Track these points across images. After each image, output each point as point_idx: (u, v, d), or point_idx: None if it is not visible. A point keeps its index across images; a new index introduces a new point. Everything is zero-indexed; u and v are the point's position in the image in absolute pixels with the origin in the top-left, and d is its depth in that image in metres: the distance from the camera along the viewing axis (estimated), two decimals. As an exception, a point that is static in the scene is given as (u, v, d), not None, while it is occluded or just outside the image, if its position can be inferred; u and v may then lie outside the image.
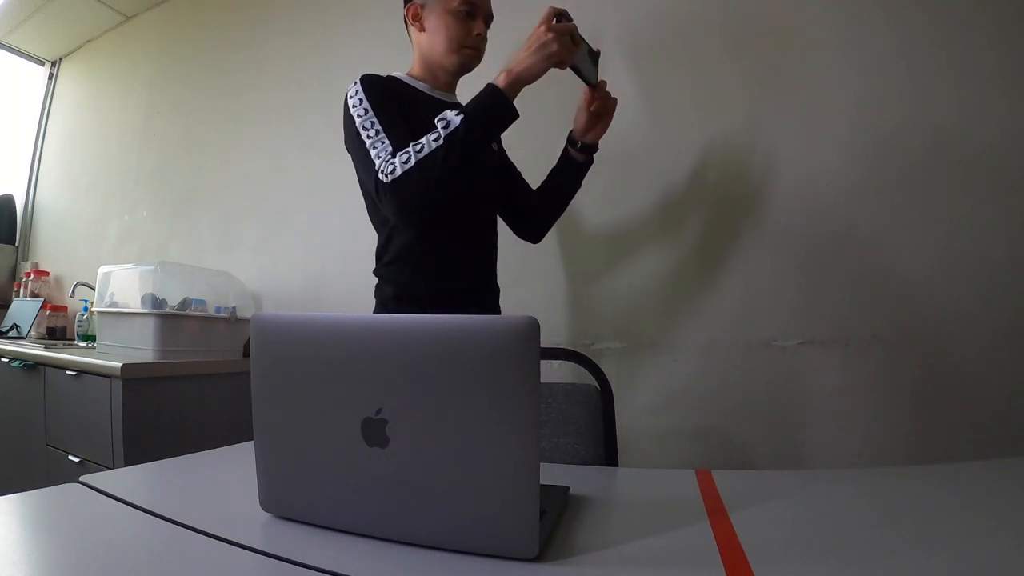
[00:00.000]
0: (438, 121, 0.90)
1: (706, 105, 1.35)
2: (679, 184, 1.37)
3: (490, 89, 0.92)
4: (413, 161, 0.88)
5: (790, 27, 1.29)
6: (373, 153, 0.93)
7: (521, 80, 0.93)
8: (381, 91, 1.02)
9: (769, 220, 1.28)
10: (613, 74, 1.31)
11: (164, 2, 2.58)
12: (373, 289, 1.14)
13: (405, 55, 1.18)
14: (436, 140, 0.89)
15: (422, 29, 1.11)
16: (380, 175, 0.90)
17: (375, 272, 1.12)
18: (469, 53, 1.11)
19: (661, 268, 1.38)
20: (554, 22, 0.93)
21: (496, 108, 0.92)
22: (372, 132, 0.95)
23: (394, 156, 0.90)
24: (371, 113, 0.97)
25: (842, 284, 1.21)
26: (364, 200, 1.10)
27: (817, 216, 1.24)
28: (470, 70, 1.14)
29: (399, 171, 0.89)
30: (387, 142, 0.93)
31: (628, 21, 1.45)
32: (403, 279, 1.07)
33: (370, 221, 1.14)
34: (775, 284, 1.27)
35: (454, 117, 0.89)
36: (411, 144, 0.90)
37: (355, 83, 1.03)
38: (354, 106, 1.00)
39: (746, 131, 1.31)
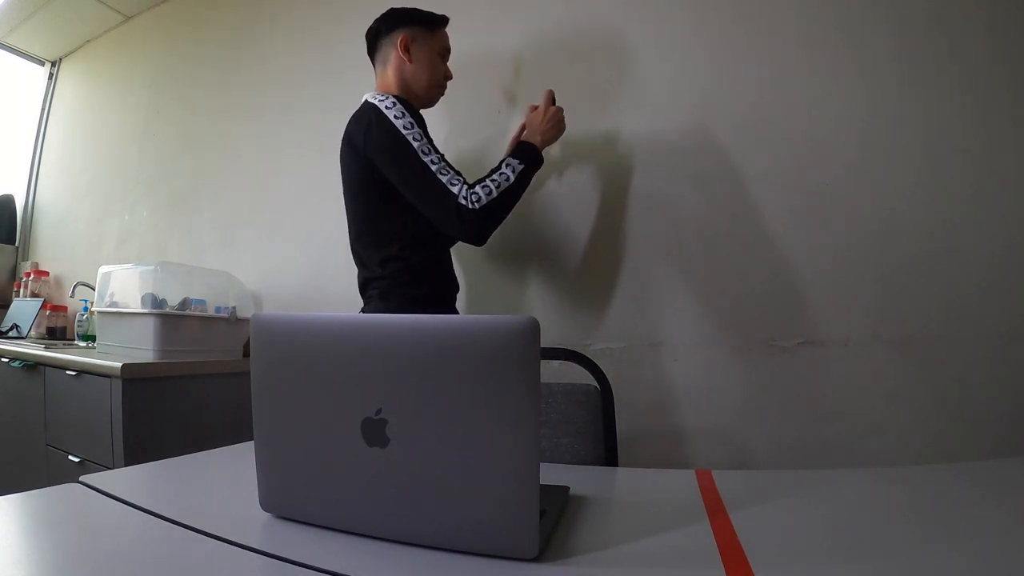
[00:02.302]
0: (506, 166, 1.09)
1: (702, 100, 1.36)
2: (678, 184, 1.37)
3: (532, 146, 1.15)
4: (496, 193, 1.04)
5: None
6: (444, 179, 1.04)
7: (547, 144, 1.20)
8: (420, 116, 1.14)
9: (769, 220, 1.28)
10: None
11: (164, 2, 2.58)
12: (381, 288, 1.19)
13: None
14: (507, 179, 1.07)
15: (410, 60, 1.22)
16: (463, 200, 1.02)
17: (389, 273, 1.18)
18: (441, 92, 1.30)
19: (660, 268, 1.37)
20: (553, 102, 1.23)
21: (538, 159, 1.16)
22: (435, 157, 1.07)
23: (473, 186, 1.04)
24: (426, 139, 1.09)
25: (841, 284, 1.21)
26: (368, 207, 1.19)
27: (816, 216, 1.24)
28: (434, 104, 1.31)
29: (484, 199, 1.03)
30: (452, 171, 1.06)
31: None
32: (440, 280, 1.24)
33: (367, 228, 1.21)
34: (775, 284, 1.26)
35: (517, 164, 1.10)
36: (487, 178, 1.07)
37: (393, 102, 1.12)
38: (404, 127, 1.08)
39: (747, 129, 1.31)
